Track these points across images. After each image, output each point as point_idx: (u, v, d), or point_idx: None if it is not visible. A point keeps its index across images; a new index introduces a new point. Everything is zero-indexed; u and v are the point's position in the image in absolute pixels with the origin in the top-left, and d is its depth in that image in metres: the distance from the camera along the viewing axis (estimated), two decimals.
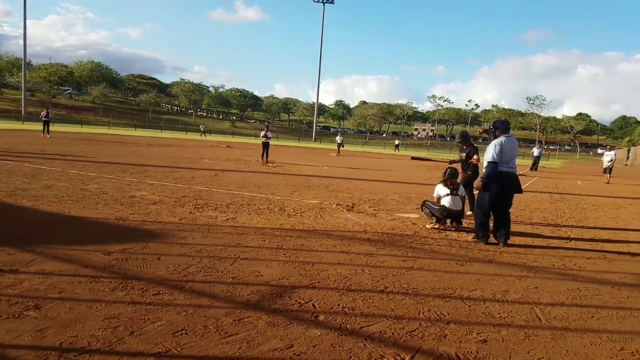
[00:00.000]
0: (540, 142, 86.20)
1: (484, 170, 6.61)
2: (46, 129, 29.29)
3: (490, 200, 6.56)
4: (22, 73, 71.80)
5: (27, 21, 66.91)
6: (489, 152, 6.50)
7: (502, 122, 6.81)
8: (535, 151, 30.23)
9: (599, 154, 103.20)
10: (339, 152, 35.34)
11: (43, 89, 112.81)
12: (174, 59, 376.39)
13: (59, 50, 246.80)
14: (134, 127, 76.02)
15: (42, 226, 5.87)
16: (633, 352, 3.31)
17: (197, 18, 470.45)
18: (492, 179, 6.46)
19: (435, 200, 7.62)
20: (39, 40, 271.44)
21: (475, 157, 8.76)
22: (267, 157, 20.61)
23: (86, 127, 60.04)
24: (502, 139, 6.53)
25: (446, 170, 7.84)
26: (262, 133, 21.26)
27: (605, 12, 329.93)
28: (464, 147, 9.00)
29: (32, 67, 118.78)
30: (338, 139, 37.32)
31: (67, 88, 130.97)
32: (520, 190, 6.74)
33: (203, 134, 62.48)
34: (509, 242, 6.57)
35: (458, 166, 8.63)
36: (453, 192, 7.41)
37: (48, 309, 3.35)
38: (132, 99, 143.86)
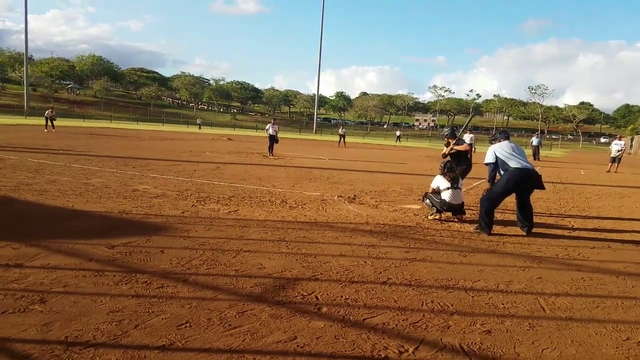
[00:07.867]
0: (542, 131, 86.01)
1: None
2: (51, 125, 29.41)
3: (501, 192, 6.69)
4: (24, 68, 71.67)
5: (29, 16, 66.91)
6: (487, 155, 6.95)
7: (501, 131, 7.40)
8: (535, 140, 30.43)
9: (602, 142, 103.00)
10: (343, 143, 35.44)
11: (45, 83, 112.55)
12: (174, 52, 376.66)
13: (60, 45, 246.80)
14: (135, 120, 76.21)
15: (46, 220, 5.88)
16: (639, 342, 3.31)
17: (197, 10, 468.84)
18: (508, 176, 6.65)
19: (431, 190, 7.58)
20: (41, 35, 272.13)
21: (464, 145, 8.74)
22: (272, 150, 20.59)
23: (88, 121, 60.08)
24: (499, 143, 7.02)
25: (445, 163, 7.79)
26: (268, 126, 21.28)
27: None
28: (450, 142, 8.84)
29: (34, 62, 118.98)
30: (340, 130, 37.41)
31: (68, 82, 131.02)
32: (540, 186, 6.79)
33: (200, 127, 65.45)
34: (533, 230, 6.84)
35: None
36: (454, 186, 7.35)
37: (53, 302, 3.36)
38: (134, 92, 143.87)
